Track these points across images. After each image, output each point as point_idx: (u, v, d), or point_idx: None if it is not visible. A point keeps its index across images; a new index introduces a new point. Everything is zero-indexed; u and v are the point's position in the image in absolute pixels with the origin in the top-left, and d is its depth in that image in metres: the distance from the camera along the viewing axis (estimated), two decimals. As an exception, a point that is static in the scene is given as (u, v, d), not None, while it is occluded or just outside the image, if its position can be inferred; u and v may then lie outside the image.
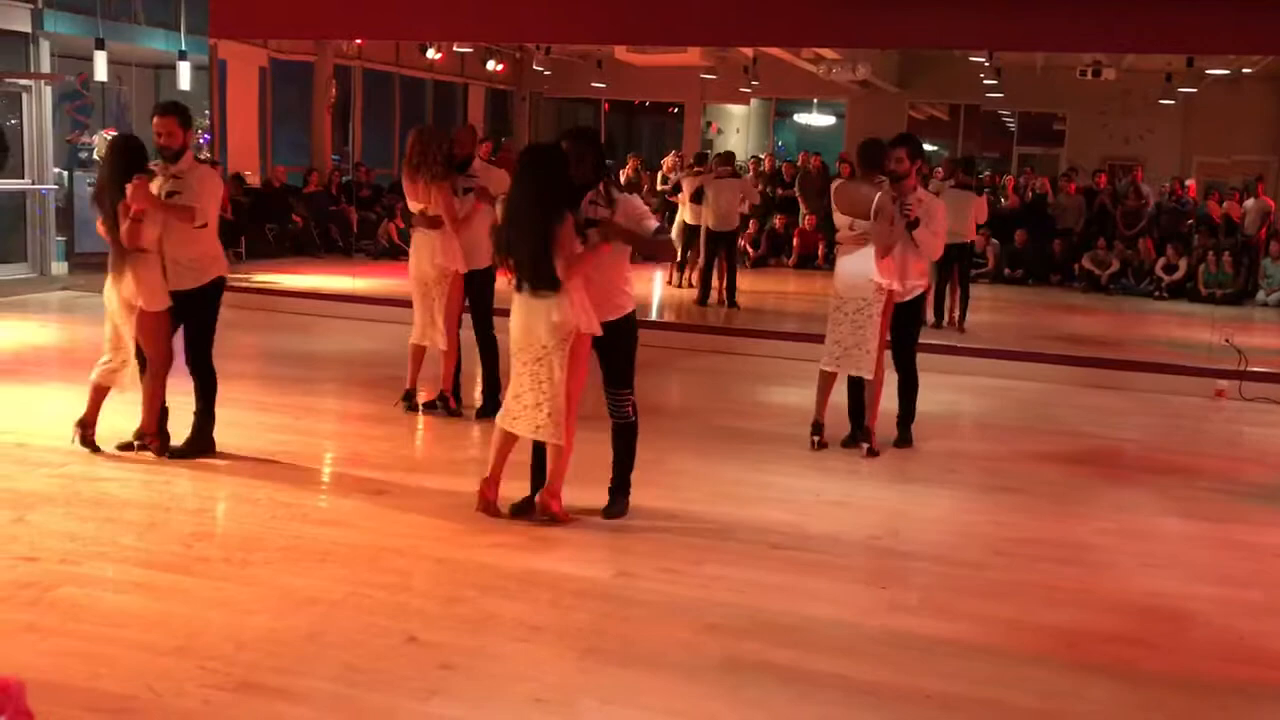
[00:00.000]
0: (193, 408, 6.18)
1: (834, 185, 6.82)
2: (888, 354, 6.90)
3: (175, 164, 5.97)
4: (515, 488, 5.43)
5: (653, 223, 5.39)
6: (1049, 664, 4.14)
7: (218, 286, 6.21)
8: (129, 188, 5.78)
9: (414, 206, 7.16)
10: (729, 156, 12.92)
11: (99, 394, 6.14)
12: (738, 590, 4.66)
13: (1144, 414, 8.58)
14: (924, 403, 8.19)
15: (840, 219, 6.68)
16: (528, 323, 5.16)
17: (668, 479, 6.21)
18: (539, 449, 5.35)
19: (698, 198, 12.29)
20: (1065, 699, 3.90)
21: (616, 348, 5.38)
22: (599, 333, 5.21)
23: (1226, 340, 9.69)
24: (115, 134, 6.60)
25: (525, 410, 5.22)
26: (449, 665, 3.91)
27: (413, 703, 3.64)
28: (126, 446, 6.15)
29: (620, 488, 5.55)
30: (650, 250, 5.68)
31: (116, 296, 5.99)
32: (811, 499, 6.00)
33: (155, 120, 6.03)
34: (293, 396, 7.83)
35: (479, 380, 7.51)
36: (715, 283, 12.38)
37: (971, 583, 4.92)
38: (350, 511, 5.48)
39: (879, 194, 6.48)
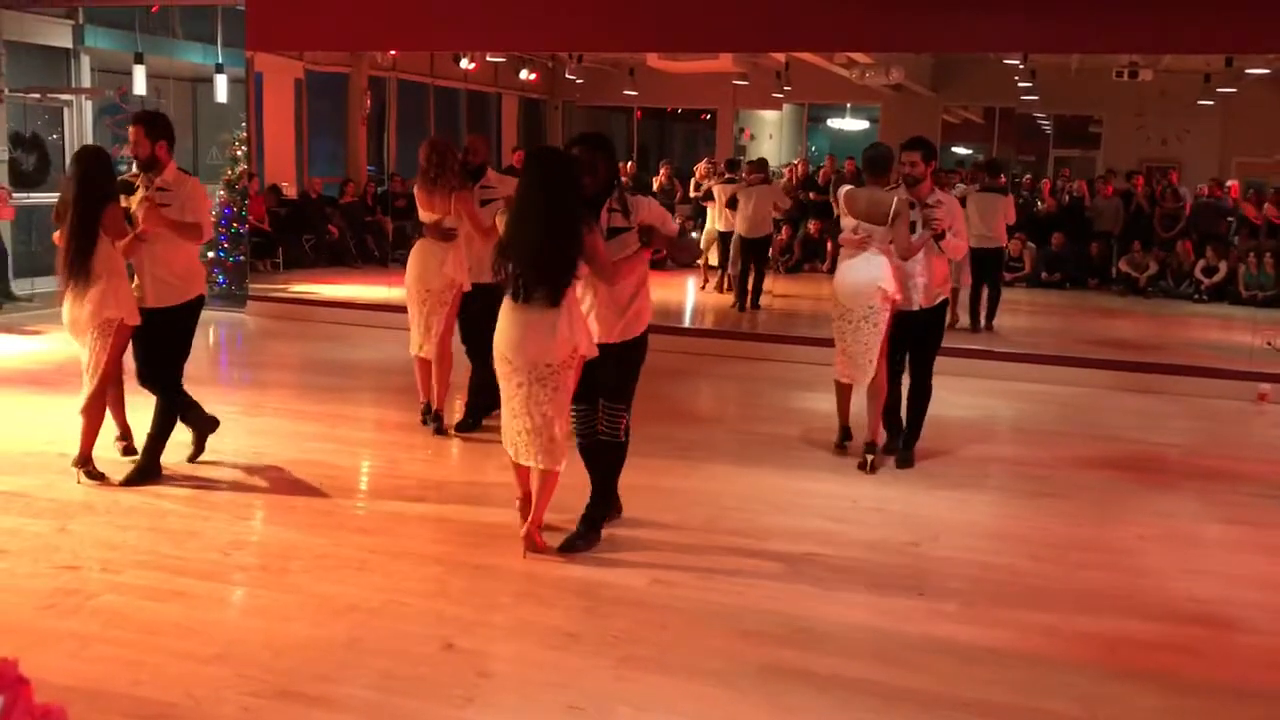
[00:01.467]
0: (227, 420, 6.21)
1: (843, 191, 6.62)
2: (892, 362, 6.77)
3: (159, 175, 5.87)
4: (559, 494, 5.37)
5: (675, 224, 5.28)
6: (1090, 671, 4.10)
7: (199, 304, 6.07)
8: (142, 210, 5.76)
9: (427, 217, 6.98)
10: (761, 164, 12.91)
11: (98, 420, 5.93)
12: (774, 597, 4.65)
13: (1185, 418, 8.48)
14: (960, 408, 8.14)
15: (846, 221, 6.50)
16: (521, 339, 4.78)
17: (703, 484, 6.20)
18: (586, 451, 5.22)
19: (733, 205, 12.33)
20: (1107, 706, 3.85)
21: (627, 362, 5.08)
22: (595, 354, 4.88)
23: (1268, 343, 9.56)
24: (82, 146, 6.53)
25: (524, 435, 4.89)
26: (486, 673, 3.92)
27: (450, 710, 3.65)
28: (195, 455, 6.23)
29: (594, 518, 5.17)
30: (678, 252, 5.56)
31: (83, 313, 5.70)
32: (848, 505, 5.97)
33: (129, 129, 6.04)
34: (329, 405, 7.88)
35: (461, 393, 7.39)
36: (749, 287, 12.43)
37: (1010, 589, 4.88)
38: (387, 519, 5.51)
39: (896, 198, 6.37)
